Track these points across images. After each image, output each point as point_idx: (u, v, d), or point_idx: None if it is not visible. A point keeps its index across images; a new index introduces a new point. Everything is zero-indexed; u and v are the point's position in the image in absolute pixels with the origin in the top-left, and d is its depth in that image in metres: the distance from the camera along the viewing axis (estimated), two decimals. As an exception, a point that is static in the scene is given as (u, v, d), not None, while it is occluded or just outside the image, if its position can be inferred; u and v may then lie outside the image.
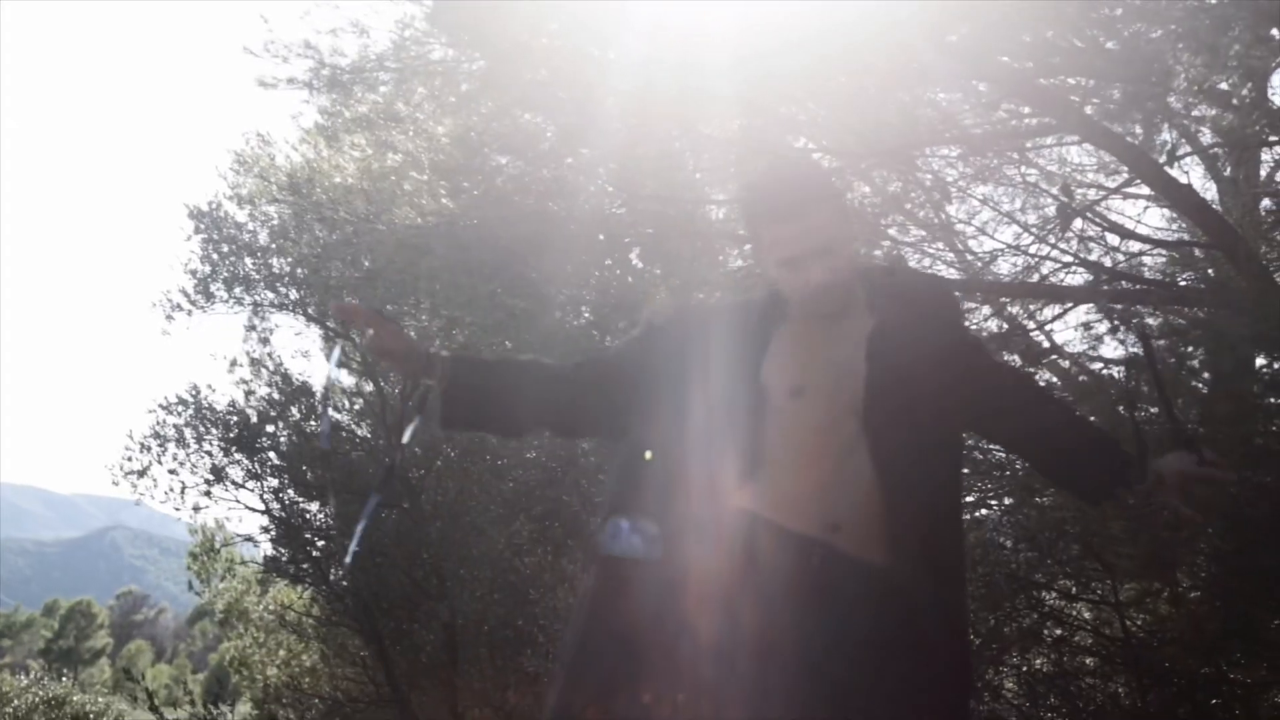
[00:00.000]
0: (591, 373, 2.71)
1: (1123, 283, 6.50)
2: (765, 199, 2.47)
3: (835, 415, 2.38)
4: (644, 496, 2.45)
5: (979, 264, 6.99)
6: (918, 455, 2.34)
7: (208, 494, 12.00)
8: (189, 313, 11.69)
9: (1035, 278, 6.76)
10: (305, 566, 12.19)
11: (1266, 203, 7.11)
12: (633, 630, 2.33)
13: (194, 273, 11.69)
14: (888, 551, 2.29)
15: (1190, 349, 5.23)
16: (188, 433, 12.07)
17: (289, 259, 11.48)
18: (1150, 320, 6.11)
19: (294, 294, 11.81)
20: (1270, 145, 6.62)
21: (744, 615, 2.30)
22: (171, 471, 12.04)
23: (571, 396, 2.69)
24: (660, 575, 2.35)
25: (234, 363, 12.57)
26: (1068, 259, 6.78)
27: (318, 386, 12.55)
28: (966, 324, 2.68)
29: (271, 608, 14.91)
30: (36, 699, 24.53)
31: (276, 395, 12.40)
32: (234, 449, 11.96)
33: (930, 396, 2.38)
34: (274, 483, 12.07)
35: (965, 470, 2.58)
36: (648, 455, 2.48)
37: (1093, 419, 2.61)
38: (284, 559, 12.34)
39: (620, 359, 2.74)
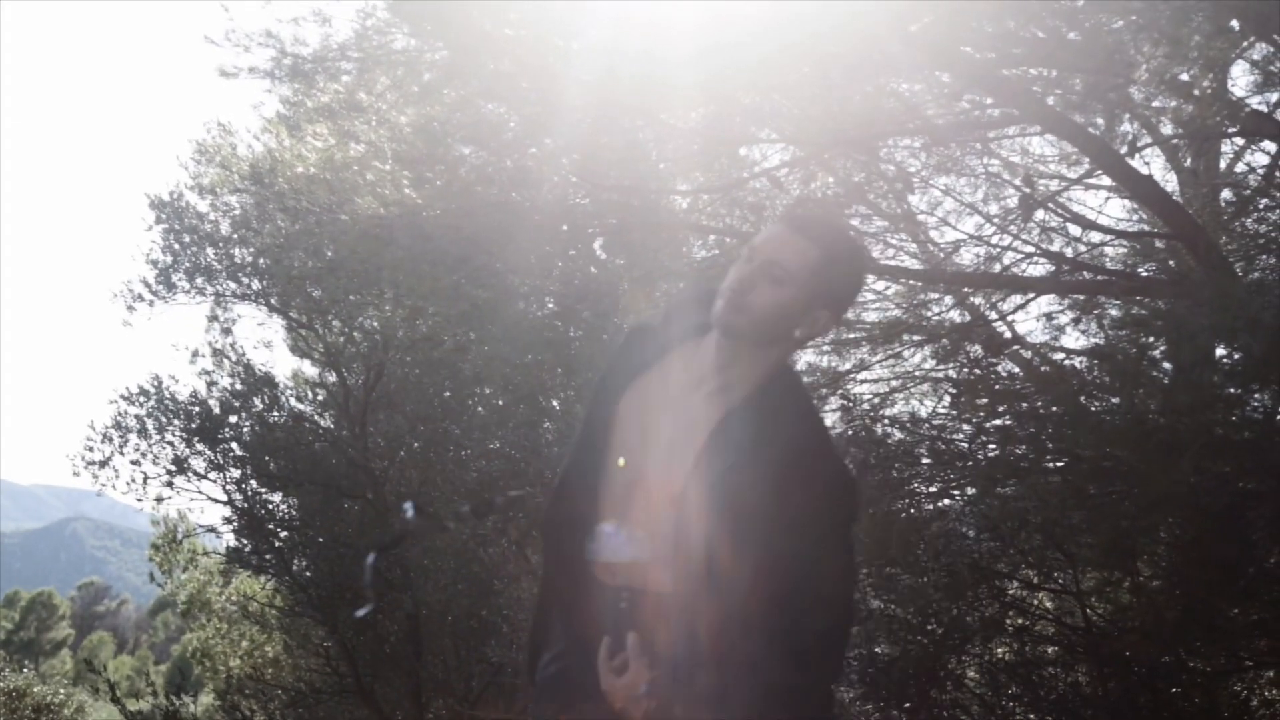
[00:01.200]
0: None
1: (1084, 273, 6.55)
2: (799, 205, 2.35)
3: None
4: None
5: (941, 254, 7.02)
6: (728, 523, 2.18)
7: (170, 485, 11.95)
8: (150, 303, 11.64)
9: (997, 268, 6.79)
10: (268, 557, 12.14)
11: (1226, 193, 7.17)
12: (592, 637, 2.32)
13: (155, 263, 11.64)
14: (674, 580, 2.23)
15: (1151, 339, 5.25)
16: (149, 423, 12.02)
17: (251, 249, 11.41)
18: (1113, 310, 6.16)
19: (256, 284, 11.76)
20: (1230, 136, 6.68)
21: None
22: (133, 462, 12.01)
23: None
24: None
25: (196, 353, 12.55)
26: (1030, 249, 6.82)
27: (280, 377, 12.51)
28: (826, 495, 2.29)
29: (234, 599, 14.86)
30: (-3, 691, 24.31)
31: (239, 386, 12.35)
32: (196, 440, 11.90)
33: (754, 504, 2.16)
34: (236, 473, 12.02)
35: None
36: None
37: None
38: (247, 550, 12.30)
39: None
